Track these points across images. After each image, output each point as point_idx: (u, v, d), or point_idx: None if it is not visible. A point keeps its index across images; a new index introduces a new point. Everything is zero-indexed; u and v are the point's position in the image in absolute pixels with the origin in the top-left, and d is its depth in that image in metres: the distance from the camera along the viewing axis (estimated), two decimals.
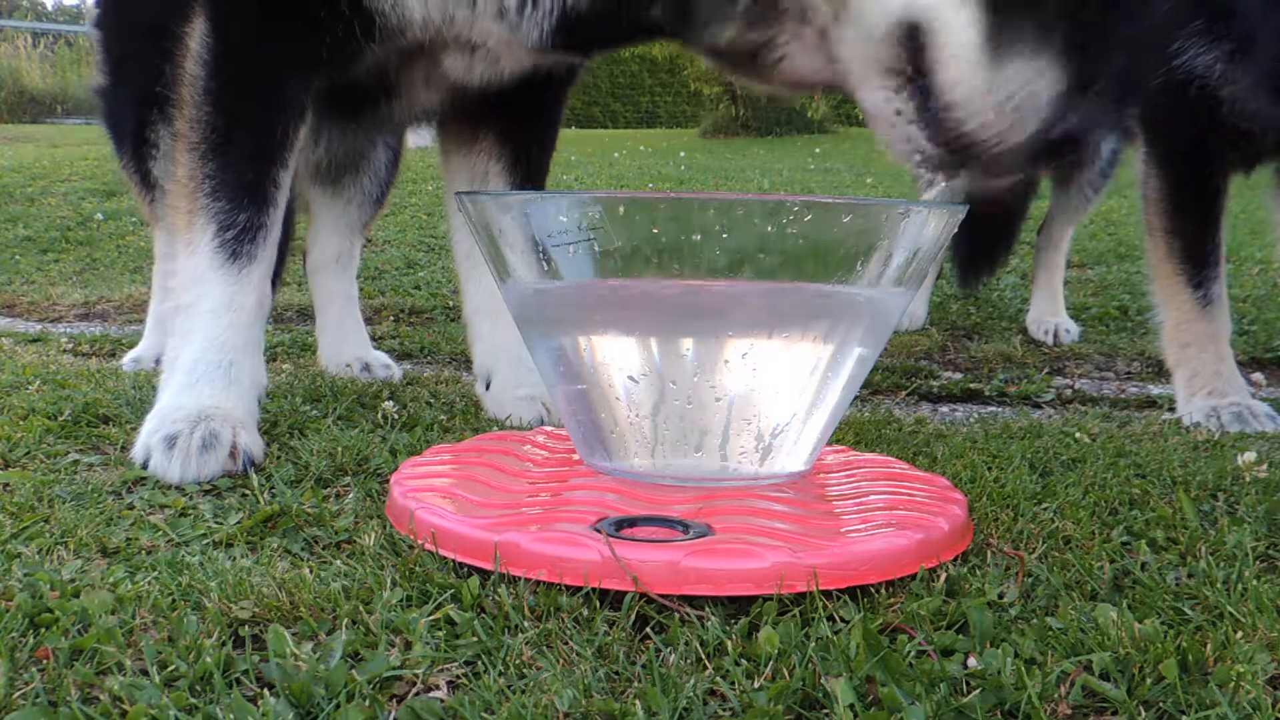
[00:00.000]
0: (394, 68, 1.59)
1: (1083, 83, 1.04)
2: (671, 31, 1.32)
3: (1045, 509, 1.26)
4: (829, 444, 1.43)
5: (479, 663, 0.87)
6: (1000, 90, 1.06)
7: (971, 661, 0.87)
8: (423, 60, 1.57)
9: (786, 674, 0.84)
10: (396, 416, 1.70)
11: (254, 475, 1.36)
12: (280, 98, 1.50)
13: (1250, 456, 1.45)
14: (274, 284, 2.59)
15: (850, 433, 1.70)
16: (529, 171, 1.81)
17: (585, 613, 0.95)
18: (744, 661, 0.87)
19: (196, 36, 1.51)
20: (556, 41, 1.35)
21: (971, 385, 2.35)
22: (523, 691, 0.81)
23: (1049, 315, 3.02)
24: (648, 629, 0.94)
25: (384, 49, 1.49)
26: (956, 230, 1.20)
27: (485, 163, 1.81)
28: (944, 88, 1.09)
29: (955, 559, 1.09)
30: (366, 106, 1.74)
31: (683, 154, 9.33)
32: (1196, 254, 2.04)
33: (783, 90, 1.25)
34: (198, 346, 1.49)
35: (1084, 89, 1.04)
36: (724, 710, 0.81)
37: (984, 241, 3.27)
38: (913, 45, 1.10)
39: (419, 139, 2.46)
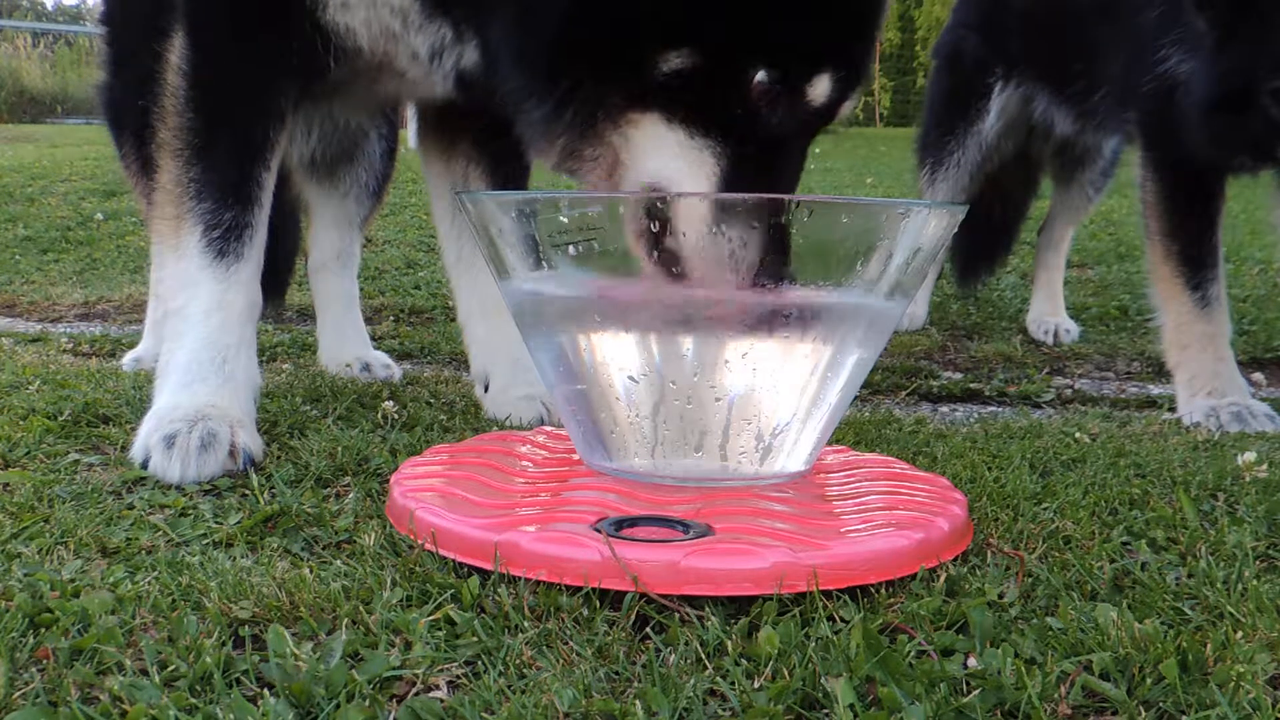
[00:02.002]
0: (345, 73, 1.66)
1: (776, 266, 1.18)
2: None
3: (1045, 509, 1.26)
4: (829, 444, 1.43)
5: (479, 663, 0.87)
6: (712, 257, 1.21)
7: (971, 661, 0.87)
8: (367, 71, 1.63)
9: (786, 674, 0.84)
10: (396, 416, 1.70)
11: (254, 475, 1.36)
12: (258, 102, 1.55)
13: (1250, 456, 1.45)
14: (282, 290, 2.59)
15: (850, 433, 1.70)
16: (509, 174, 1.82)
17: (585, 613, 0.95)
18: (744, 661, 0.87)
19: (176, 50, 1.56)
20: (458, 92, 1.50)
21: (971, 385, 2.35)
22: (523, 691, 0.81)
23: (1049, 315, 3.02)
24: (648, 629, 0.94)
25: (347, 68, 1.56)
26: (957, 230, 1.22)
27: (464, 167, 1.83)
28: (678, 246, 1.23)
29: (955, 559, 1.09)
30: (317, 100, 1.79)
31: None
32: (1194, 256, 2.05)
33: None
34: (190, 347, 1.50)
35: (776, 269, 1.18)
36: (724, 710, 0.81)
37: (984, 241, 3.28)
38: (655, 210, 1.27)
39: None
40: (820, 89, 1.26)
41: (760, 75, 1.22)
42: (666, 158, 1.27)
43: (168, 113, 1.57)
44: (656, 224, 1.20)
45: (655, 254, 1.21)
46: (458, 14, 1.43)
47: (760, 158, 1.26)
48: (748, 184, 1.25)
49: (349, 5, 1.48)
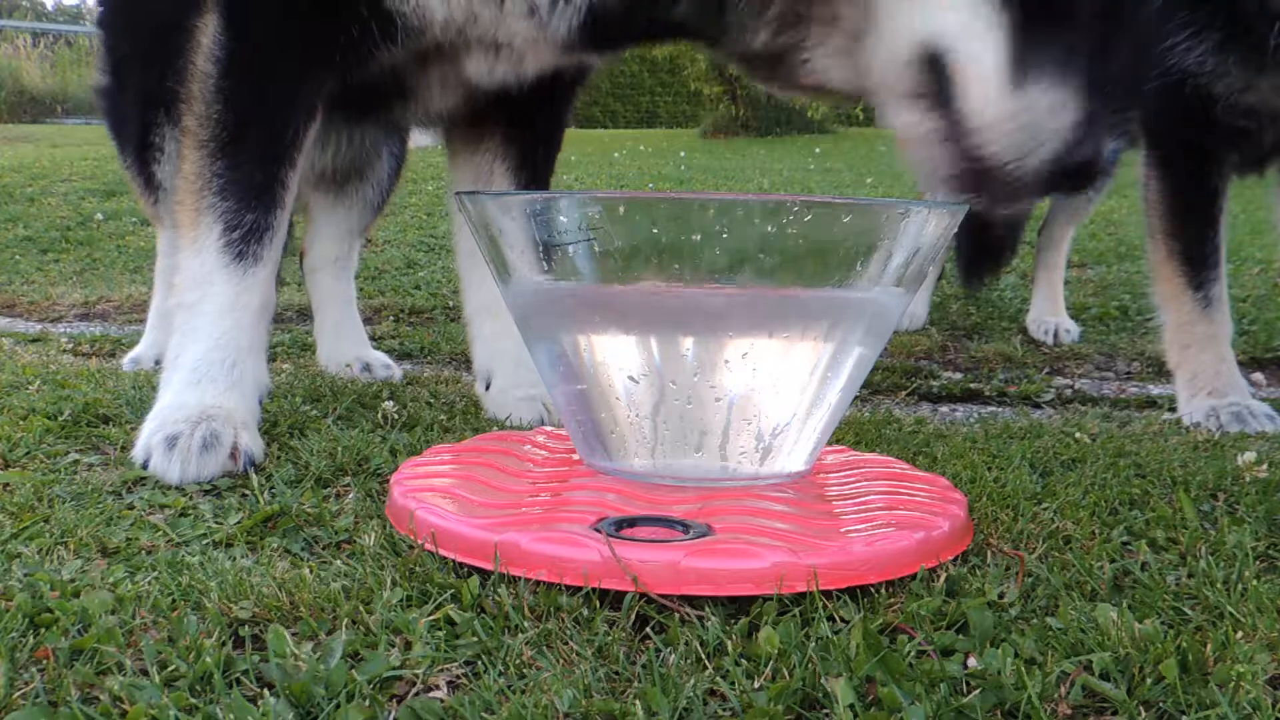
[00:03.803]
0: (409, 70, 1.58)
1: (1096, 111, 1.06)
2: (695, 32, 1.32)
3: (1045, 509, 1.26)
4: (829, 444, 1.43)
5: (479, 663, 0.87)
6: (1019, 117, 1.08)
7: (971, 661, 0.87)
8: (439, 62, 1.56)
9: (786, 674, 0.84)
10: (396, 416, 1.70)
11: (254, 475, 1.36)
12: (292, 98, 1.49)
13: (1250, 456, 1.45)
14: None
15: (850, 433, 1.70)
16: (535, 172, 1.81)
17: (585, 613, 0.95)
18: (744, 661, 0.87)
19: (209, 33, 1.49)
20: (582, 38, 1.36)
21: (971, 385, 2.35)
22: (523, 691, 0.81)
23: (1049, 315, 3.02)
24: (648, 629, 0.94)
25: (403, 50, 1.47)
26: (961, 230, 1.21)
27: (490, 162, 1.81)
28: (966, 114, 1.10)
29: (955, 559, 1.09)
30: (377, 108, 1.73)
31: (683, 154, 9.33)
32: (1196, 256, 2.05)
33: (808, 95, 1.26)
34: (202, 346, 1.48)
35: (1097, 117, 1.06)
36: (724, 710, 0.81)
37: (988, 241, 3.28)
38: (935, 72, 1.12)
39: (419, 139, 2.46)
40: None
41: None
42: (945, 6, 1.06)
43: (194, 99, 1.50)
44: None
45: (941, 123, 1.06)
46: None
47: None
48: (1054, 46, 1.06)
49: None
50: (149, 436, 1.40)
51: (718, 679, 0.84)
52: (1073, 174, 1.06)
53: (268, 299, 1.53)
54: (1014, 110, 1.07)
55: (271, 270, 1.53)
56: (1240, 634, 0.91)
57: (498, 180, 1.80)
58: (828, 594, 0.98)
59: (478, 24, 1.41)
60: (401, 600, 0.98)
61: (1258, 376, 2.43)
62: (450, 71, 1.57)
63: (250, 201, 1.48)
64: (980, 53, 1.08)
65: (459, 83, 1.60)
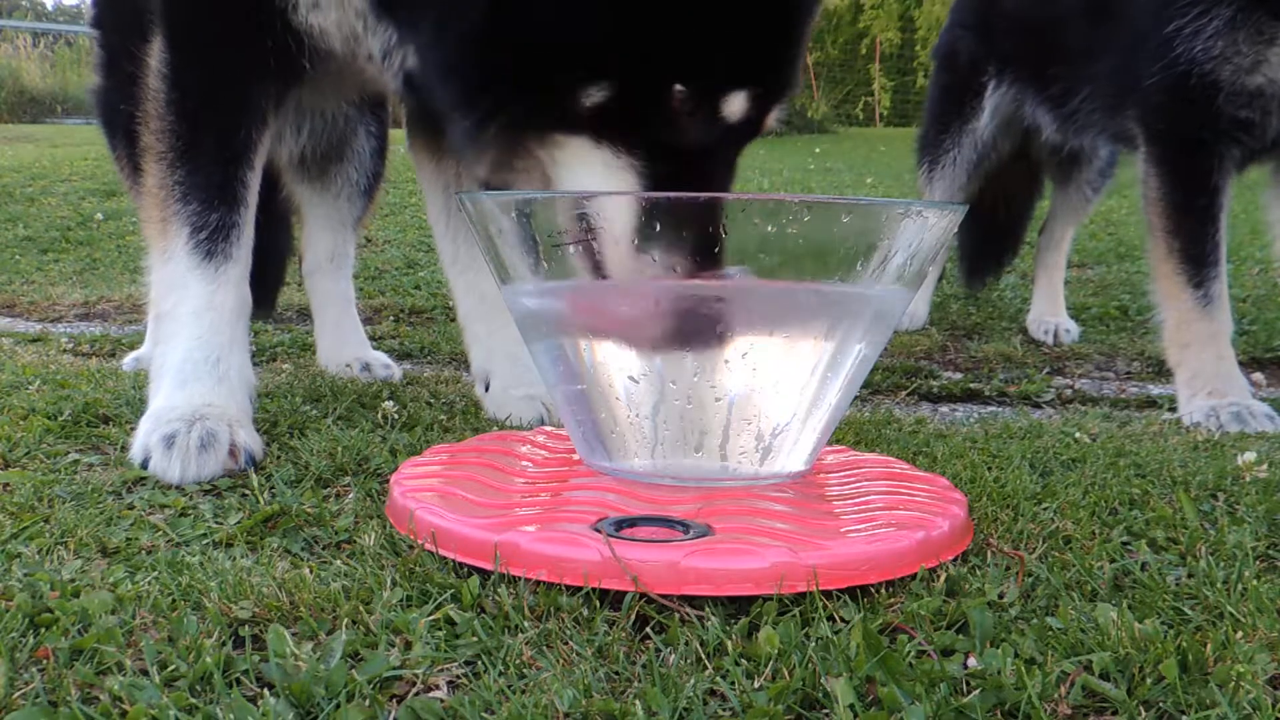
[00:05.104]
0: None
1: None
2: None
3: (1045, 509, 1.26)
4: (829, 444, 1.43)
5: (479, 663, 0.87)
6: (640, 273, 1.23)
7: (971, 661, 0.87)
8: (342, 65, 1.65)
9: (786, 674, 0.84)
10: (396, 416, 1.70)
11: (254, 475, 1.36)
12: (238, 102, 1.56)
13: (1250, 456, 1.45)
14: (269, 301, 2.57)
15: (850, 433, 1.70)
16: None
17: (585, 613, 0.95)
18: (744, 661, 0.87)
19: (156, 54, 1.58)
20: (407, 92, 1.51)
21: (971, 385, 2.35)
22: (523, 691, 0.81)
23: (1049, 315, 3.02)
24: (648, 629, 0.94)
25: (319, 62, 1.58)
26: (962, 230, 1.22)
27: (456, 167, 1.84)
28: (602, 260, 1.26)
29: (955, 559, 1.09)
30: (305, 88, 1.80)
31: None
32: (1196, 254, 2.04)
33: None
34: (184, 347, 1.51)
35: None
36: (724, 710, 0.81)
37: (989, 241, 3.28)
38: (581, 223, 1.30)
39: None
40: (736, 105, 1.28)
41: (679, 88, 1.24)
42: (594, 178, 1.30)
43: (149, 116, 1.58)
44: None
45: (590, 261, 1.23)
46: (400, 16, 1.44)
47: (685, 171, 1.29)
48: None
49: (320, 6, 1.49)
50: (146, 437, 1.41)
51: (718, 679, 0.84)
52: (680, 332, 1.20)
53: (243, 297, 1.57)
54: (638, 267, 1.23)
55: (243, 269, 1.56)
56: (1240, 634, 0.91)
57: (465, 186, 1.81)
58: (828, 594, 0.98)
59: (354, 53, 1.55)
60: (401, 600, 0.98)
61: (1258, 376, 2.43)
62: (347, 70, 1.66)
63: (213, 201, 1.54)
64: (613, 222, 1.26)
65: (354, 79, 1.71)
